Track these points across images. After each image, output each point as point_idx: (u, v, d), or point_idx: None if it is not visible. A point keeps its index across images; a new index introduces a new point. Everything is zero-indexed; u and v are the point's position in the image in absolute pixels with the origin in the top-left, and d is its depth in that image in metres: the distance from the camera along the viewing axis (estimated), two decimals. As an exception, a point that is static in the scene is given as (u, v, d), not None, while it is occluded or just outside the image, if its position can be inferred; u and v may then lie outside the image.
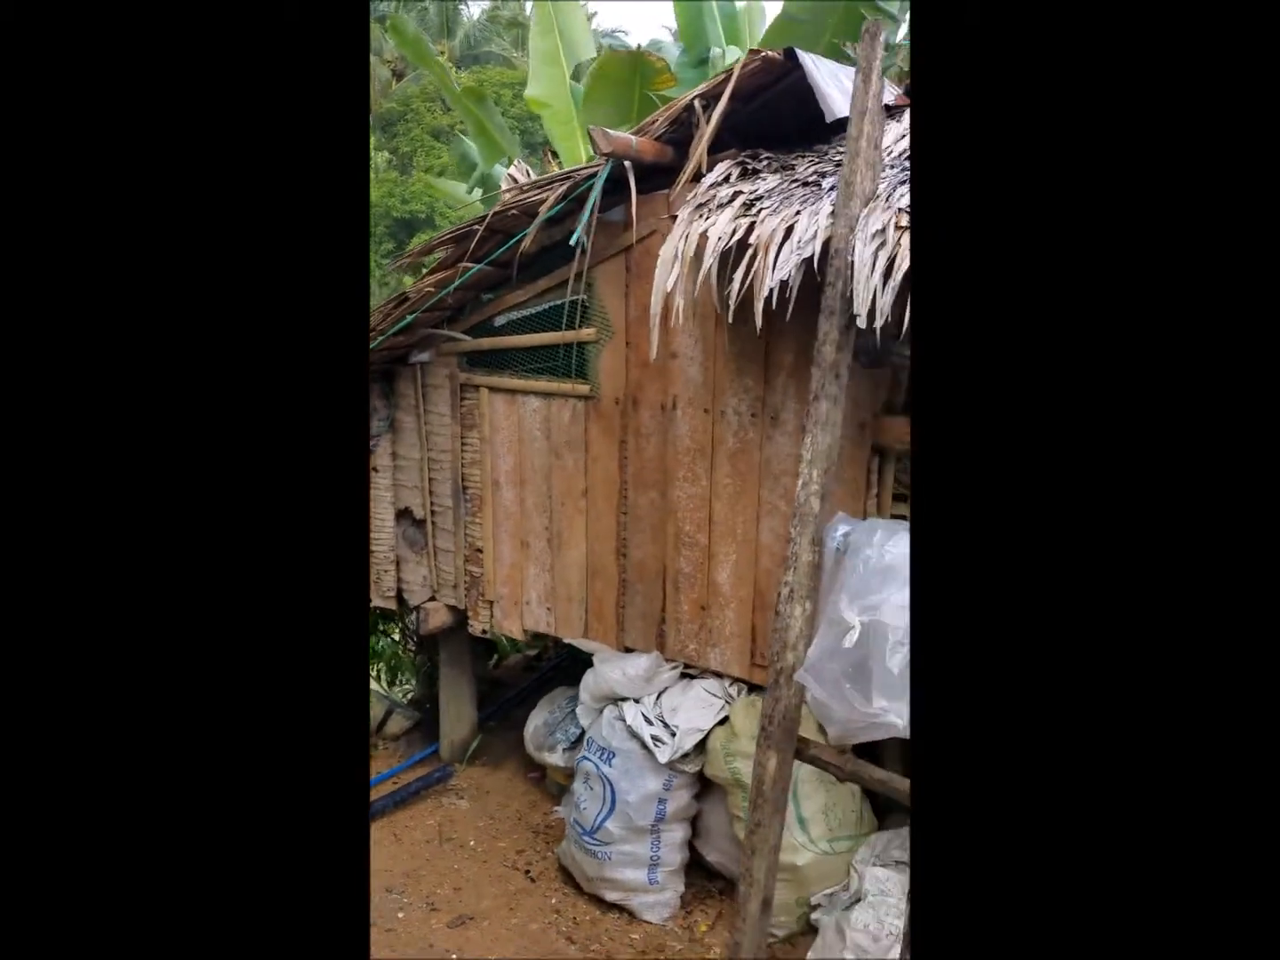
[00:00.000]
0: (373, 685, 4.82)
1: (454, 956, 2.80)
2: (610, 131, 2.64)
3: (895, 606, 2.00)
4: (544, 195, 2.91)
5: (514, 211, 2.99)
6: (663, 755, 2.92)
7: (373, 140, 32.38)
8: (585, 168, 2.86)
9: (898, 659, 1.96)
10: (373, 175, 30.15)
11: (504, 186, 3.69)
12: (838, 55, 4.85)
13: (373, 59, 27.84)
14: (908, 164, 2.40)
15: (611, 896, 3.03)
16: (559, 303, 3.16)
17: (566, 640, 3.53)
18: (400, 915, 3.00)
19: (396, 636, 4.77)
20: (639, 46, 6.48)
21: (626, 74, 6.00)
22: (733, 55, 6.29)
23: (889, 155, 2.47)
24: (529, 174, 3.94)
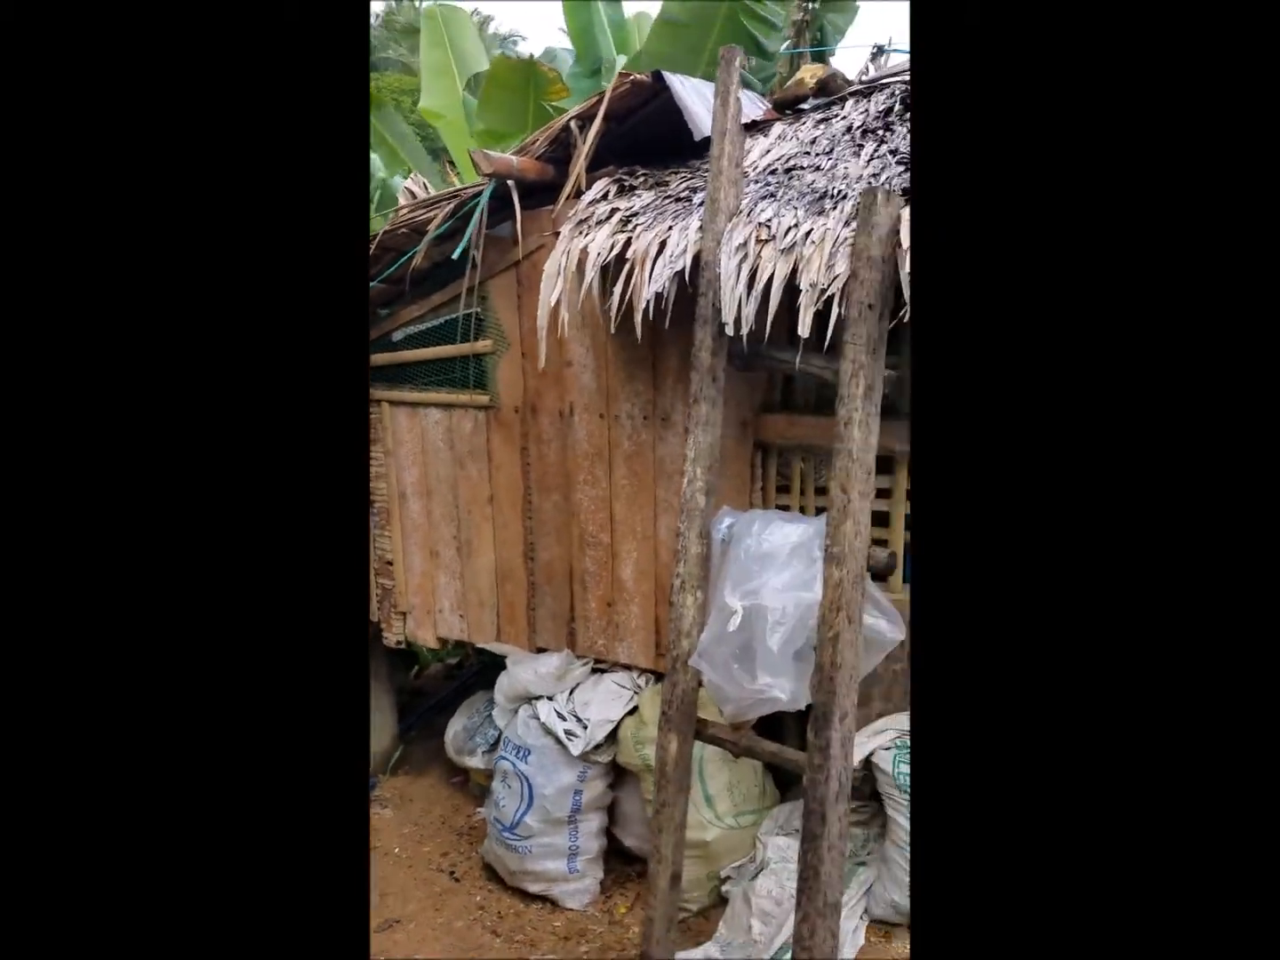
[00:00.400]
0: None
1: (382, 959, 2.86)
2: (490, 153, 2.75)
3: (773, 590, 2.16)
4: (432, 214, 3.00)
5: (404, 230, 3.07)
6: (576, 748, 3.04)
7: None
8: (470, 187, 2.97)
9: (777, 638, 2.12)
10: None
11: (401, 199, 3.75)
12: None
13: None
14: (770, 179, 2.58)
15: (534, 888, 3.14)
16: (454, 316, 3.25)
17: (479, 645, 3.62)
18: (326, 926, 3.05)
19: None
20: (531, 56, 6.58)
21: (519, 82, 6.07)
22: (622, 64, 6.44)
23: (752, 170, 2.64)
24: (426, 187, 4.00)
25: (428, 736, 4.28)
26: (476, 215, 2.87)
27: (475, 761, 3.64)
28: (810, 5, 5.45)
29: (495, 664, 3.94)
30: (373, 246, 3.10)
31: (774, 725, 2.74)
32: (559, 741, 3.08)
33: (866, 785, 2.53)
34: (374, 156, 7.52)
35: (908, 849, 2.36)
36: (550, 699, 3.22)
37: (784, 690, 2.12)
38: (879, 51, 4.20)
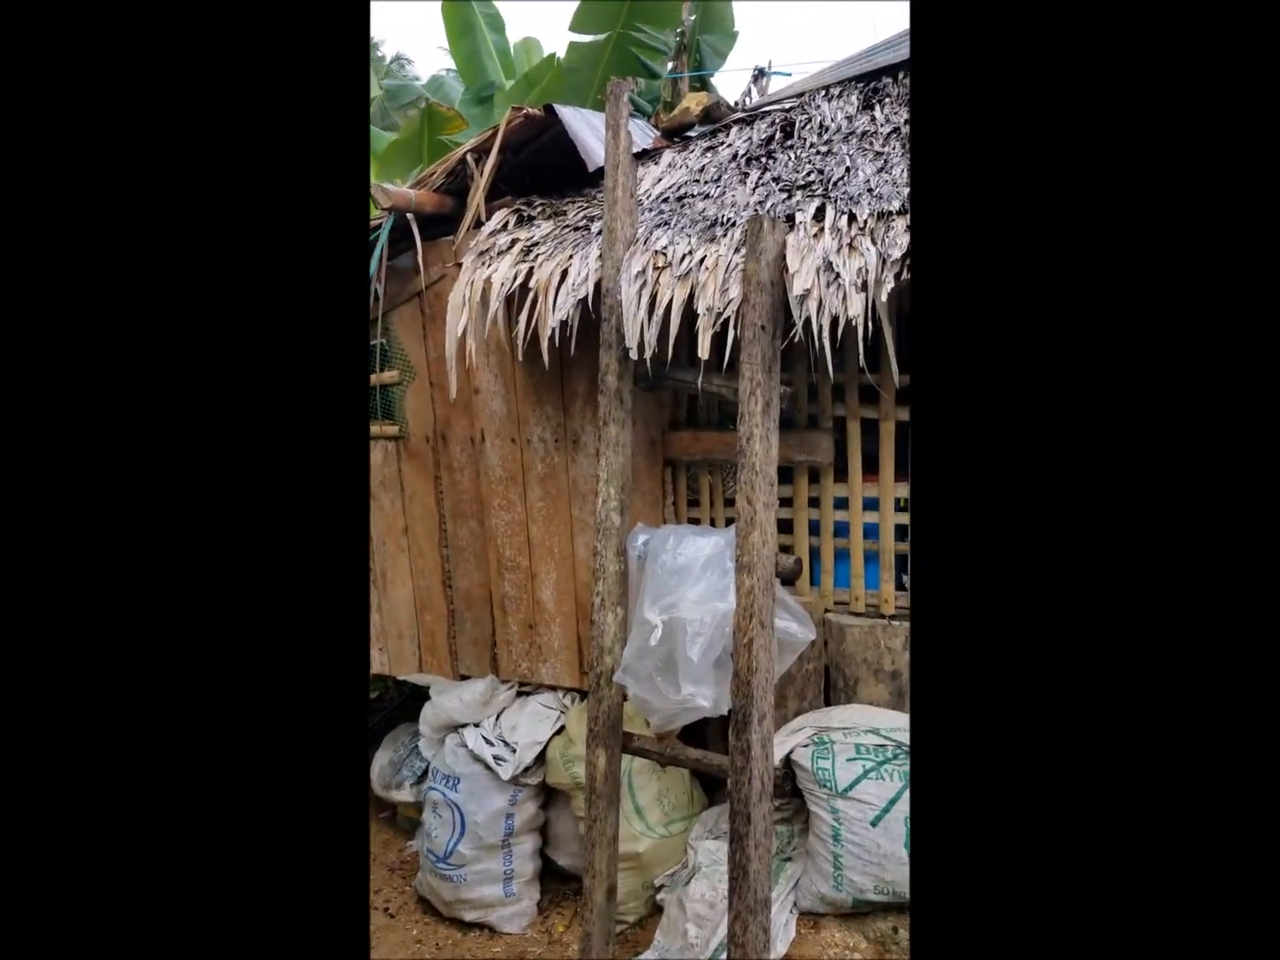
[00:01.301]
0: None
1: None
2: (388, 187, 2.77)
3: (690, 603, 2.24)
4: (331, 248, 2.99)
5: (302, 265, 3.06)
6: (505, 772, 3.06)
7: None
8: (370, 220, 2.97)
9: (697, 648, 2.20)
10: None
11: None
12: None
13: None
14: (663, 207, 2.68)
15: (470, 916, 3.13)
16: (358, 349, 3.24)
17: (401, 677, 3.59)
18: (257, 977, 2.97)
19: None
20: (426, 100, 6.57)
21: (415, 135, 6.09)
22: (511, 88, 6.51)
23: (646, 199, 2.74)
24: None
25: (352, 774, 4.21)
26: (378, 249, 2.88)
27: (403, 795, 3.61)
28: (685, 30, 5.65)
29: (416, 695, 3.92)
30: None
31: (697, 732, 2.82)
32: (488, 767, 3.09)
33: (787, 783, 2.63)
34: None
35: (830, 841, 2.47)
36: (477, 725, 3.23)
37: (707, 698, 2.21)
38: (760, 74, 4.39)
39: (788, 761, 2.60)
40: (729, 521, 2.77)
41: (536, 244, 2.67)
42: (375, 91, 7.04)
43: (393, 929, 3.19)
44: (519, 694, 3.31)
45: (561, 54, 5.81)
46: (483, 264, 2.66)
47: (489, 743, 3.14)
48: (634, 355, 2.32)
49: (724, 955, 2.44)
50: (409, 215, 2.88)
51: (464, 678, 3.40)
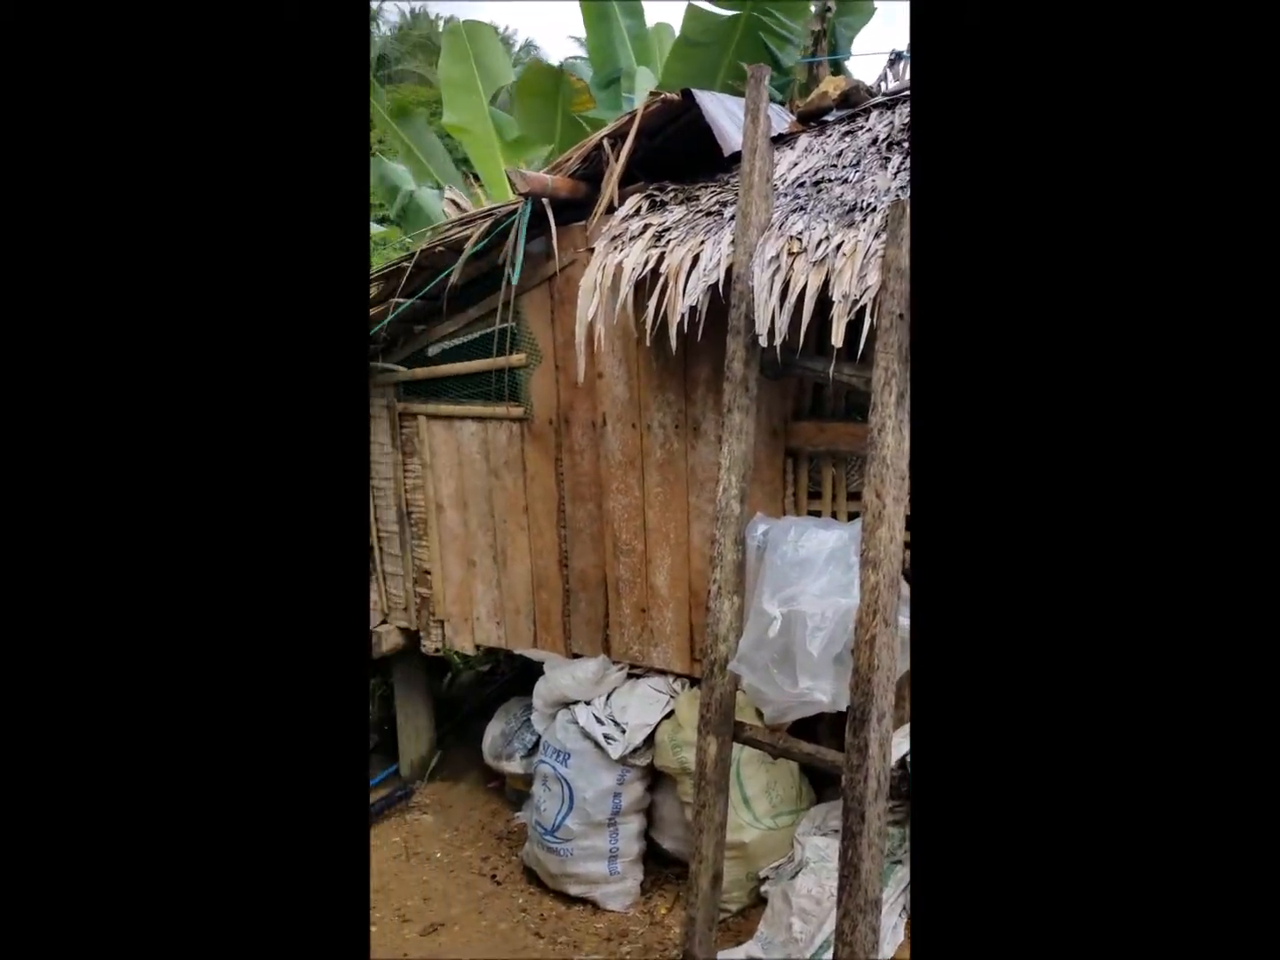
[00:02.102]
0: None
1: (428, 960, 2.94)
2: (527, 172, 2.82)
3: (811, 596, 2.21)
4: (468, 232, 3.08)
5: (440, 248, 3.16)
6: (615, 751, 3.10)
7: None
8: (505, 205, 3.04)
9: (817, 643, 2.17)
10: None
11: (447, 210, 3.81)
12: (741, 75, 5.13)
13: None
14: (799, 192, 2.63)
15: (575, 890, 3.19)
16: (489, 331, 3.33)
17: (517, 651, 3.68)
18: (373, 929, 3.12)
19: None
20: (561, 65, 6.68)
21: (550, 89, 6.18)
22: (643, 76, 6.53)
23: (781, 184, 2.70)
24: (456, 204, 4.06)
25: (464, 743, 4.35)
26: (513, 233, 2.95)
27: (513, 766, 3.71)
28: (828, 14, 5.52)
29: (528, 671, 4.01)
30: (410, 266, 3.19)
31: (808, 727, 2.78)
32: (598, 745, 3.15)
33: (903, 784, 2.56)
34: (402, 168, 7.65)
35: (946, 848, 2.40)
36: (588, 704, 3.29)
37: (825, 693, 2.17)
38: (897, 58, 4.25)
39: (903, 763, 2.53)
40: (851, 515, 2.71)
41: (668, 229, 2.67)
42: (509, 79, 7.18)
43: (499, 896, 3.29)
44: (629, 676, 3.35)
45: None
46: (614, 249, 2.68)
47: (599, 721, 3.19)
48: (763, 342, 2.29)
49: (828, 953, 2.41)
50: (544, 200, 2.92)
51: (576, 656, 3.47)
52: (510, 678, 4.95)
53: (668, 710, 3.18)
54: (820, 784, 3.05)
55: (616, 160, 2.85)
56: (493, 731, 3.88)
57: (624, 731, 3.14)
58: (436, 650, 3.89)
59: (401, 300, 3.27)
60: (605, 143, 2.85)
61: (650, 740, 3.15)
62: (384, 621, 4.01)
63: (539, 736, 3.52)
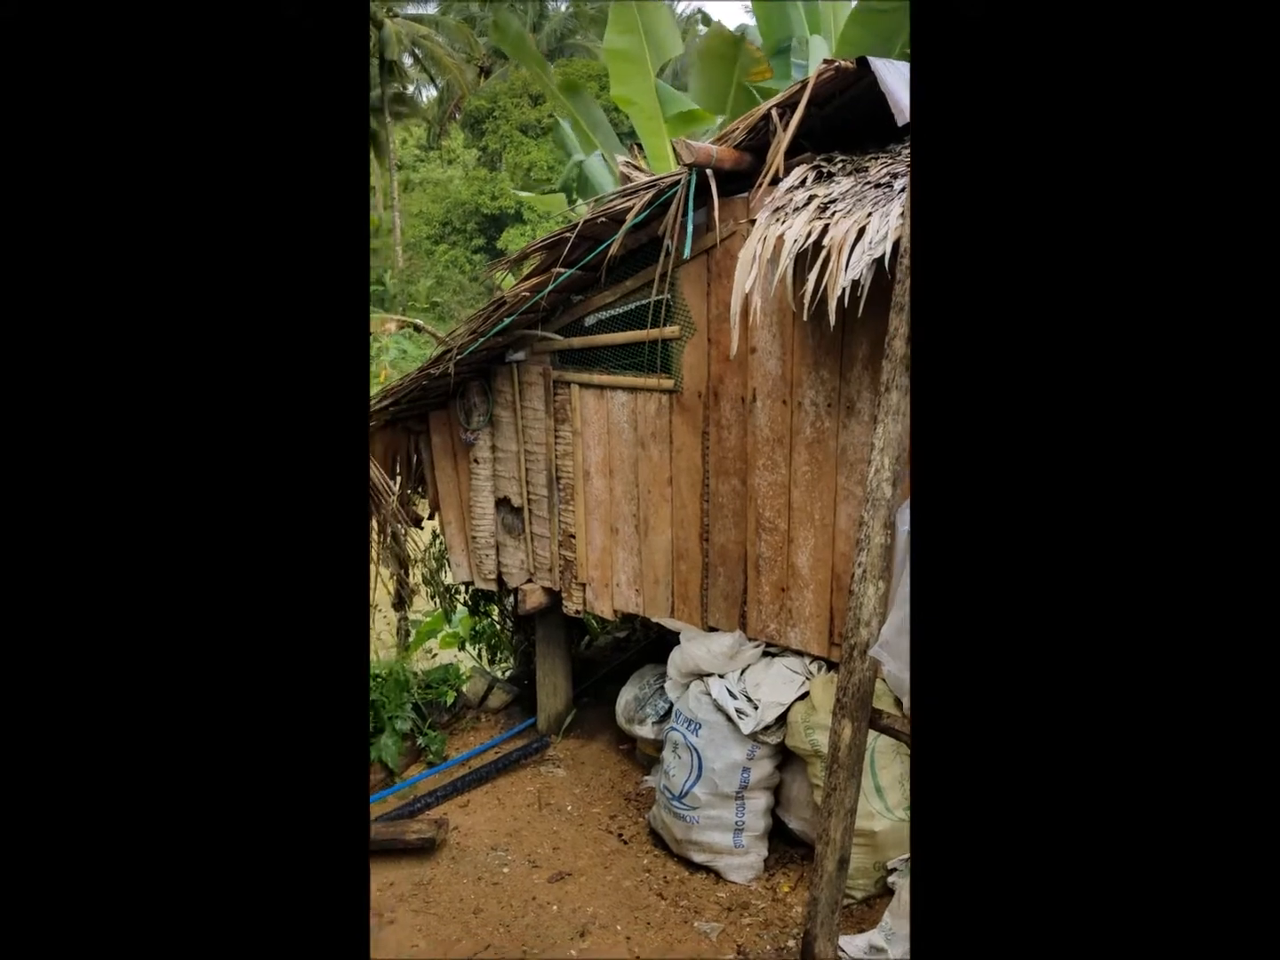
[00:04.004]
0: (475, 662, 5.15)
1: (554, 907, 3.06)
2: (691, 143, 2.82)
3: (962, 585, 2.13)
4: (630, 203, 3.11)
5: (602, 219, 3.21)
6: (746, 726, 3.11)
7: (460, 139, 33.07)
8: (668, 176, 3.05)
9: (964, 634, 2.09)
10: (462, 173, 30.89)
11: (622, 174, 3.86)
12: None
13: (459, 58, 28.50)
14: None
15: (699, 858, 3.24)
16: (645, 302, 3.36)
17: (654, 620, 3.74)
18: (505, 871, 3.28)
19: (496, 617, 5.07)
20: (743, 33, 6.58)
21: (728, 55, 6.11)
22: (815, 44, 6.36)
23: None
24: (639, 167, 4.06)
25: (599, 704, 4.48)
26: (675, 204, 2.96)
27: (644, 731, 3.79)
28: None
29: (662, 640, 4.08)
30: (572, 236, 3.26)
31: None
32: (729, 719, 3.16)
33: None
34: (571, 134, 7.80)
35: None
36: (721, 677, 3.30)
37: (968, 686, 2.09)
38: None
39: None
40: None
41: (834, 200, 2.60)
42: (678, 51, 7.16)
43: (624, 854, 3.38)
44: (765, 654, 3.34)
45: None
46: (776, 220, 2.64)
47: (732, 695, 3.20)
48: (928, 321, 2.20)
49: (956, 954, 2.34)
50: (708, 171, 2.91)
51: (712, 629, 3.49)
52: (645, 645, 5.04)
53: (802, 691, 3.15)
54: (958, 781, 2.95)
55: (784, 130, 2.79)
56: (626, 696, 3.97)
57: (756, 708, 3.14)
58: (577, 612, 4.00)
59: (562, 270, 3.35)
60: (773, 112, 2.80)
61: (782, 719, 3.14)
62: (529, 580, 4.16)
63: (671, 704, 3.58)
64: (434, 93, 31.46)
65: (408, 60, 28.15)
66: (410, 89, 30.16)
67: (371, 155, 29.05)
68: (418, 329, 4.32)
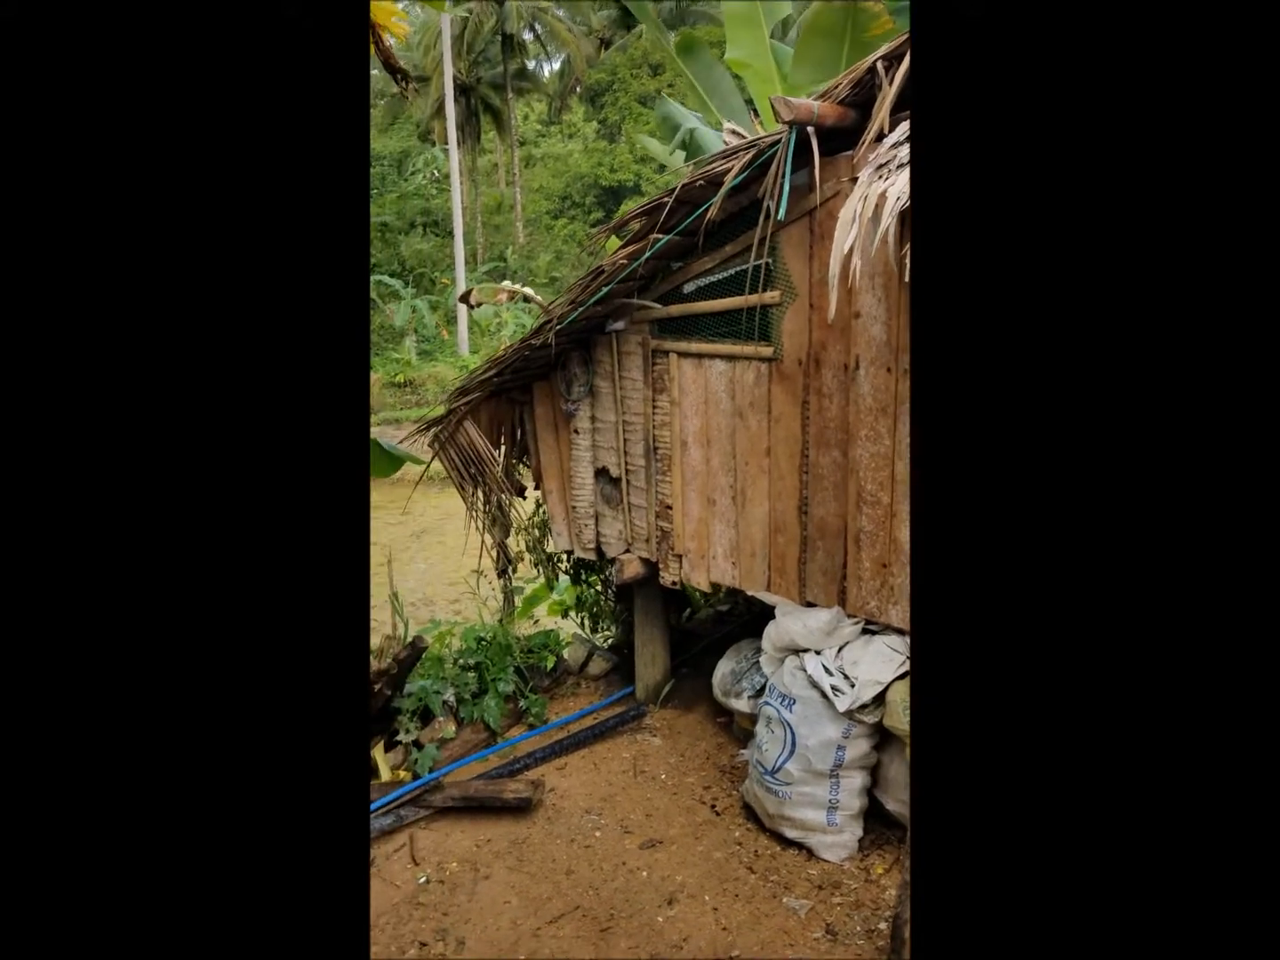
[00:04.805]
0: (575, 629, 5.23)
1: (644, 873, 3.08)
2: (792, 100, 2.71)
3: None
4: (729, 165, 3.03)
5: (700, 183, 3.14)
6: (841, 704, 3.03)
7: (580, 111, 33.24)
8: (768, 136, 2.95)
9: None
10: (581, 145, 31.10)
11: (726, 142, 3.79)
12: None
13: (578, 31, 28.55)
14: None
15: (791, 834, 3.19)
16: (744, 267, 3.28)
17: (750, 593, 3.69)
18: (597, 834, 3.33)
19: (599, 586, 5.13)
20: None
21: (838, 26, 5.88)
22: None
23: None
24: (740, 133, 3.98)
25: (697, 675, 4.47)
26: (776, 164, 2.86)
27: (740, 704, 3.75)
28: None
29: (763, 614, 4.01)
30: (670, 200, 3.20)
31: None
32: (825, 696, 3.09)
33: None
34: (676, 107, 7.69)
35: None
36: (818, 653, 3.23)
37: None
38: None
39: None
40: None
41: (941, 155, 2.45)
42: (788, 10, 6.91)
43: (716, 825, 3.37)
44: (864, 631, 3.24)
45: None
46: (879, 178, 2.51)
47: (828, 672, 3.13)
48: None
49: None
50: (809, 129, 2.80)
51: (810, 604, 3.40)
52: (746, 619, 5.00)
53: (902, 670, 3.04)
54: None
55: (889, 84, 2.65)
56: (723, 669, 3.94)
57: (853, 685, 3.05)
58: (674, 583, 3.99)
59: (659, 236, 3.30)
60: (879, 65, 2.66)
61: (880, 699, 3.04)
62: (627, 550, 4.17)
63: (766, 679, 3.52)
64: (555, 67, 31.73)
65: (528, 36, 28.45)
66: (531, 65, 30.51)
67: (494, 132, 29.64)
68: (527, 299, 4.36)
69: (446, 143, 21.77)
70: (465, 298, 4.32)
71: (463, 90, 26.64)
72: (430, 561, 9.37)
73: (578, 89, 31.41)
